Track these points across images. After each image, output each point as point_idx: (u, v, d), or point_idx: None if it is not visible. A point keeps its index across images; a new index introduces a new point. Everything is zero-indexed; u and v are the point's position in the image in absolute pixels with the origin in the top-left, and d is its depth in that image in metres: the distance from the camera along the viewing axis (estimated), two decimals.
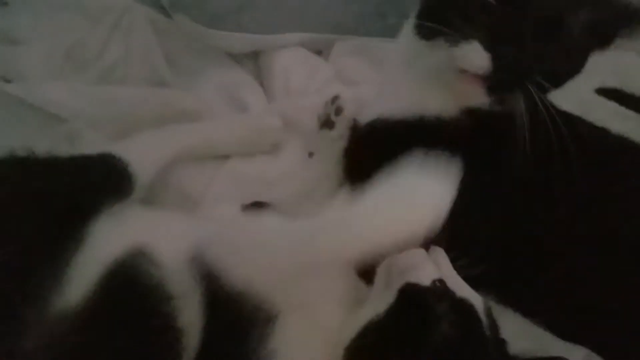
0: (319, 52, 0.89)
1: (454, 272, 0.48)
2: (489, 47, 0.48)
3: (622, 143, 0.61)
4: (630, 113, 0.85)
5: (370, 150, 0.60)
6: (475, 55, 0.48)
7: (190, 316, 0.43)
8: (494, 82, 0.50)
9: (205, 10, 0.76)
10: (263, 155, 0.71)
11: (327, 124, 0.69)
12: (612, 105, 0.84)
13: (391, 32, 0.84)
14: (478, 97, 0.52)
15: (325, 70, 0.83)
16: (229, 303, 0.43)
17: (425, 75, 0.53)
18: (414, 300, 0.43)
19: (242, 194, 0.69)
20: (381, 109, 0.61)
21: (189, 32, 0.80)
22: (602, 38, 0.53)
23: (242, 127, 0.71)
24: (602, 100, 0.84)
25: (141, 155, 0.59)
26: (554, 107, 0.50)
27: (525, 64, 0.49)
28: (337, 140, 0.68)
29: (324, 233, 0.41)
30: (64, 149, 0.65)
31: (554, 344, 0.57)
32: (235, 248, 0.46)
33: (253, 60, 0.86)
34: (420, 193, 0.40)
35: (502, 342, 0.46)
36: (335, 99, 0.69)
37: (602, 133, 0.61)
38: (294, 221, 0.47)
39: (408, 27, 0.58)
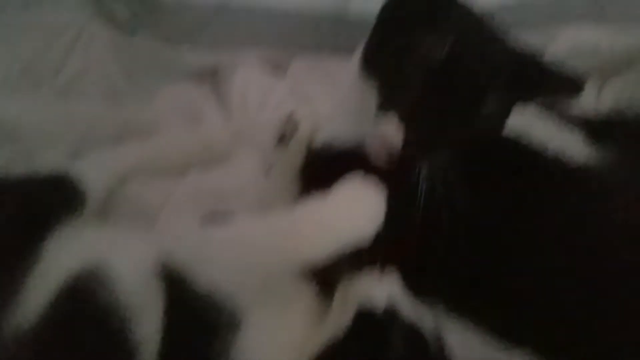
0: (277, 67, 0.92)
1: (405, 295, 0.51)
2: (403, 121, 0.50)
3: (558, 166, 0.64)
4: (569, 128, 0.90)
5: (320, 173, 0.63)
6: (389, 126, 0.50)
7: (150, 328, 0.44)
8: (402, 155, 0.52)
9: (163, 28, 0.78)
10: (221, 169, 0.73)
11: (283, 140, 0.72)
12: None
13: (347, 50, 0.89)
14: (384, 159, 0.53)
15: (283, 87, 0.86)
16: (192, 310, 0.45)
17: (366, 108, 0.55)
18: (368, 328, 0.47)
19: (200, 207, 0.70)
20: (332, 132, 0.64)
21: (147, 48, 0.81)
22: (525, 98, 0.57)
23: (192, 141, 0.73)
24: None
25: (92, 172, 0.60)
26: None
27: (437, 142, 0.52)
28: (293, 156, 0.70)
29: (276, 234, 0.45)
30: (19, 166, 0.66)
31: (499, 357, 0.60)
32: (198, 253, 0.48)
33: (211, 77, 0.89)
34: (358, 200, 0.47)
35: None
36: (291, 116, 0.72)
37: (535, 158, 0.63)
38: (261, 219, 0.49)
39: (355, 58, 0.62)
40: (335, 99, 0.74)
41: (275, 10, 0.83)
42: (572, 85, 0.56)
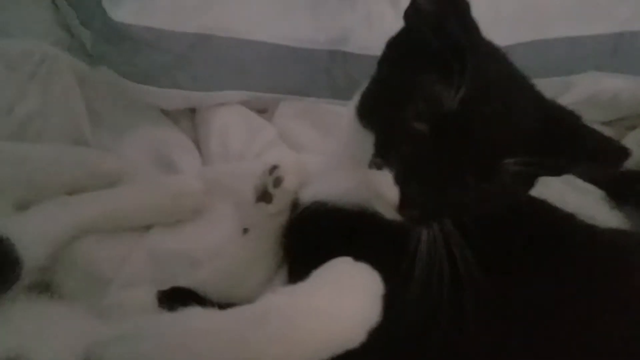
0: (263, 111, 0.82)
1: None
2: (399, 182, 0.42)
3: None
4: (588, 186, 0.81)
5: (307, 237, 0.54)
6: (385, 185, 0.43)
7: None
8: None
9: (136, 66, 0.68)
10: (190, 227, 0.62)
11: (264, 196, 0.61)
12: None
13: (342, 94, 0.80)
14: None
15: (268, 132, 0.77)
16: None
17: (362, 161, 0.47)
18: None
19: (161, 274, 0.60)
20: (322, 189, 0.54)
21: (117, 84, 0.72)
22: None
23: (158, 193, 0.63)
24: None
25: (32, 234, 0.50)
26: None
27: (437, 208, 0.43)
28: (275, 216, 0.60)
29: (255, 331, 0.36)
30: None
31: None
32: (139, 354, 0.39)
33: (189, 118, 0.79)
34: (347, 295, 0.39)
35: None
36: (274, 168, 0.61)
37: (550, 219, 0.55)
38: (219, 315, 0.40)
39: (353, 101, 0.52)
40: (329, 148, 0.65)
41: (264, 44, 0.73)
42: (615, 153, 0.46)
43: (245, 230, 0.63)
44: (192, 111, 0.79)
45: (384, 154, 0.44)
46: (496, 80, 0.45)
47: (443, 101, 0.42)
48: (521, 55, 0.83)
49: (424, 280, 0.43)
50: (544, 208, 0.55)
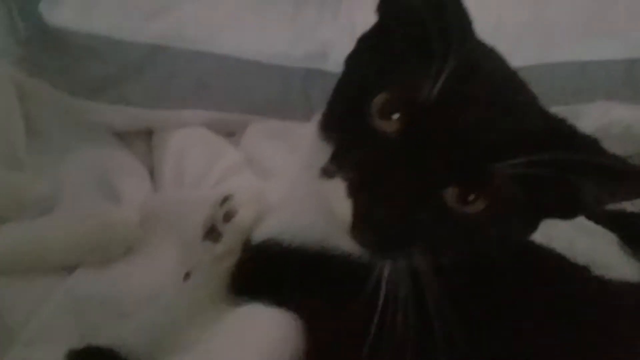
0: (231, 135, 0.73)
1: None
2: (353, 193, 0.32)
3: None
4: (599, 229, 0.72)
5: (256, 285, 0.44)
6: (335, 197, 0.32)
7: None
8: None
9: (77, 77, 0.59)
10: (120, 269, 0.52)
11: (211, 233, 0.51)
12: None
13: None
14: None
15: (231, 156, 0.67)
16: None
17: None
18: None
19: (81, 326, 0.49)
20: (278, 224, 0.44)
21: (59, 100, 0.63)
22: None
23: (84, 225, 0.52)
24: None
25: None
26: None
27: (402, 232, 0.32)
28: (222, 258, 0.49)
29: None
30: None
31: None
32: None
33: (146, 142, 0.70)
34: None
35: None
36: (225, 200, 0.51)
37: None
38: None
39: (316, 119, 0.43)
40: (289, 175, 0.54)
41: (227, 58, 0.64)
42: (636, 175, 0.35)
43: (186, 276, 0.52)
44: (150, 134, 0.70)
45: (338, 160, 0.34)
46: (490, 74, 0.35)
47: (416, 91, 0.32)
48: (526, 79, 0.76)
49: (382, 335, 0.33)
50: (551, 258, 0.45)
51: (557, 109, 0.77)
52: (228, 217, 0.50)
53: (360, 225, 0.32)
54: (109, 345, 0.46)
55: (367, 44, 0.40)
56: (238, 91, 0.67)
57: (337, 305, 0.36)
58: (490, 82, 0.35)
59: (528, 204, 0.35)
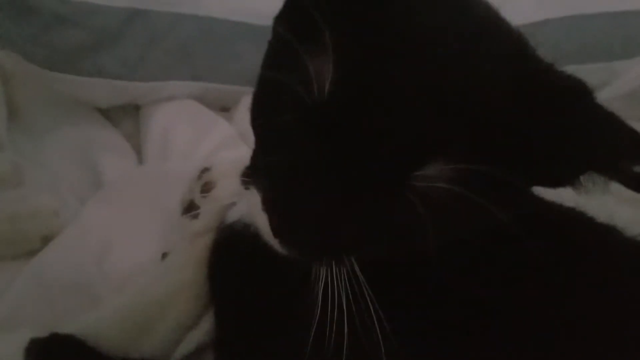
0: (225, 110, 0.67)
1: None
2: (267, 204, 0.29)
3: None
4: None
5: (226, 268, 0.40)
6: (254, 209, 0.30)
7: None
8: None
9: (49, 47, 0.54)
10: (88, 248, 0.47)
11: (190, 208, 0.46)
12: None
13: None
14: None
15: (224, 131, 0.61)
16: None
17: None
18: None
19: (51, 313, 0.44)
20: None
21: (40, 74, 0.58)
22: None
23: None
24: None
25: None
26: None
27: (324, 239, 0.28)
28: (200, 234, 0.44)
29: None
30: None
31: None
32: None
33: (134, 118, 0.65)
34: None
35: None
36: (203, 172, 0.46)
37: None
38: None
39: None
40: None
41: (217, 21, 0.58)
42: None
43: (164, 256, 0.47)
44: (138, 110, 0.66)
45: (253, 166, 0.33)
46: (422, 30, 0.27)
47: (314, 83, 0.26)
48: (551, 35, 0.67)
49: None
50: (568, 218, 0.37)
51: (589, 67, 0.69)
52: (207, 189, 0.45)
53: (280, 238, 0.29)
54: (76, 334, 0.41)
55: (280, 26, 0.32)
56: (227, 59, 0.61)
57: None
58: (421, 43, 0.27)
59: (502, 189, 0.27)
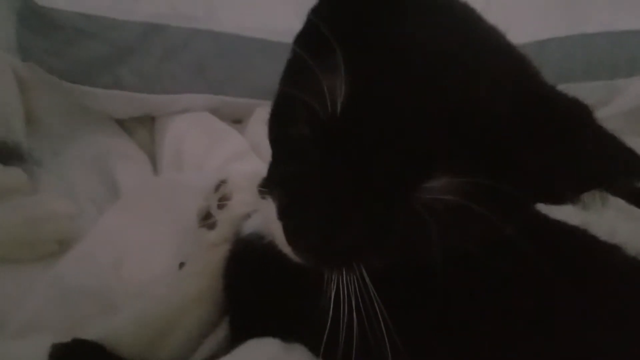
0: (238, 122, 0.69)
1: None
2: (282, 214, 0.31)
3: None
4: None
5: (243, 279, 0.41)
6: (270, 219, 0.31)
7: None
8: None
9: (69, 61, 0.56)
10: (106, 256, 0.48)
11: (206, 220, 0.47)
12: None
13: None
14: None
15: (236, 143, 0.63)
16: None
17: None
18: None
19: (70, 318, 0.46)
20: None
21: (59, 85, 0.60)
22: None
23: (8, 222, 0.48)
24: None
25: None
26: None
27: (337, 248, 0.29)
28: (217, 246, 0.45)
29: None
30: None
31: None
32: None
33: (149, 129, 0.67)
34: None
35: None
36: (220, 185, 0.48)
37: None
38: None
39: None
40: None
41: (231, 37, 0.60)
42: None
43: (181, 265, 0.48)
44: (154, 121, 0.67)
45: (269, 176, 0.34)
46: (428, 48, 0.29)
47: (328, 99, 0.28)
48: (554, 53, 0.69)
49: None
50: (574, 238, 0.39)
51: (591, 85, 0.71)
52: (223, 202, 0.47)
53: (293, 245, 0.31)
54: (96, 339, 0.43)
55: (300, 47, 0.34)
56: (241, 73, 0.63)
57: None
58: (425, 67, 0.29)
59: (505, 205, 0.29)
